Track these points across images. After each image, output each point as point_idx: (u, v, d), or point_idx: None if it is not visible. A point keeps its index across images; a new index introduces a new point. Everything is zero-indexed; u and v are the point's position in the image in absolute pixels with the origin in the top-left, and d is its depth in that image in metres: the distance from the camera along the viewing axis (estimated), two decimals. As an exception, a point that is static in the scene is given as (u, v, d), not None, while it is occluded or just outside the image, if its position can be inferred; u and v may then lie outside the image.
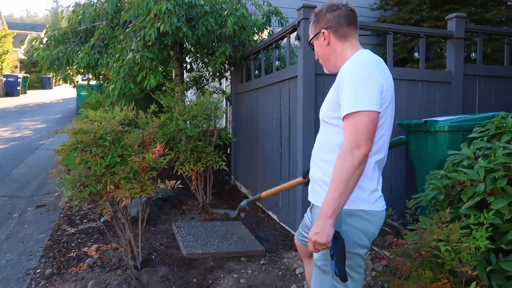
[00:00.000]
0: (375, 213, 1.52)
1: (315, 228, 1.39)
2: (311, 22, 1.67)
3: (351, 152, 1.36)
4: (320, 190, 1.57)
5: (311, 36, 1.66)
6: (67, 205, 4.43)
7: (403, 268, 2.07)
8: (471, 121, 2.94)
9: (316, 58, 1.73)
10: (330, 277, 1.51)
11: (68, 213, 4.38)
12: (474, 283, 1.89)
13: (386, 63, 1.62)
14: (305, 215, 1.92)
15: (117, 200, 2.90)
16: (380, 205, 1.54)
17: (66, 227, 3.98)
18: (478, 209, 2.18)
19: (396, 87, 1.71)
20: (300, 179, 2.10)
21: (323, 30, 1.60)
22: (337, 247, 1.41)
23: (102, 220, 3.92)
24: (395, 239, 2.16)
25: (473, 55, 4.06)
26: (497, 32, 4.42)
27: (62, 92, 21.65)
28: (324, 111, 1.59)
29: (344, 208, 1.41)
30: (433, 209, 2.43)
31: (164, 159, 2.92)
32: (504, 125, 2.47)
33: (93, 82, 7.25)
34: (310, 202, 1.72)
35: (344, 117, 1.41)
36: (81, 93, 12.96)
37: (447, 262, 1.96)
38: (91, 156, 2.71)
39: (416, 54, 3.86)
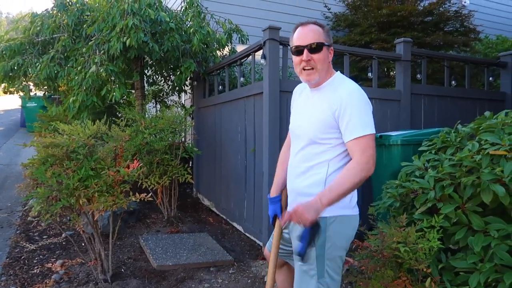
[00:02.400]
0: (354, 218, 1.72)
1: (307, 204, 1.55)
2: (324, 32, 1.71)
3: (365, 166, 1.58)
4: (304, 201, 1.66)
5: (325, 42, 1.69)
6: (25, 220, 4.26)
7: (368, 269, 2.28)
8: (420, 135, 3.29)
9: (300, 66, 1.71)
10: (315, 280, 1.64)
11: (25, 229, 4.21)
12: (429, 279, 2.15)
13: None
14: (283, 230, 1.91)
15: (88, 214, 2.89)
16: (357, 210, 1.74)
17: (24, 243, 3.83)
18: (430, 214, 2.46)
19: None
20: (279, 226, 1.89)
21: (332, 47, 1.75)
22: (314, 231, 1.58)
23: (64, 235, 3.82)
24: (360, 243, 2.38)
25: (418, 76, 4.49)
26: (438, 56, 4.94)
27: (2, 103, 20.23)
28: (315, 132, 1.70)
29: (330, 215, 1.59)
30: (391, 215, 2.69)
31: (136, 172, 2.96)
32: (449, 139, 2.81)
33: (40, 94, 7.00)
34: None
35: (357, 138, 1.60)
36: (27, 105, 12.29)
37: (406, 262, 2.21)
38: (63, 169, 2.70)
39: (369, 74, 4.22)
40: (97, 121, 2.96)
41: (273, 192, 1.98)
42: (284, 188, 1.95)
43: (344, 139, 1.65)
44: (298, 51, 1.69)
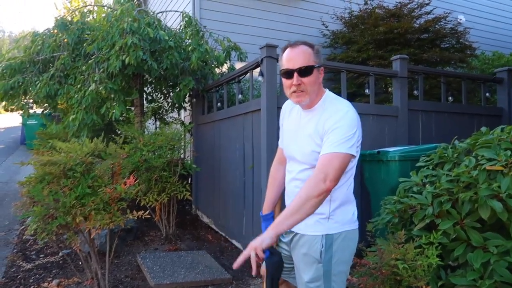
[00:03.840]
0: (355, 232, 1.72)
1: (258, 237, 1.49)
2: (314, 52, 1.66)
3: (317, 182, 1.50)
4: (309, 221, 1.63)
5: (315, 64, 1.64)
6: (22, 239, 4.23)
7: (366, 286, 2.25)
8: (417, 151, 3.29)
9: (290, 90, 1.67)
10: None
11: (22, 248, 4.18)
12: (428, 297, 2.12)
13: (341, 98, 1.81)
14: (282, 247, 1.88)
15: (85, 232, 2.87)
16: (357, 223, 1.74)
17: (21, 262, 3.79)
18: (428, 230, 2.45)
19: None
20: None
21: (322, 67, 1.70)
22: (270, 261, 1.53)
23: (61, 253, 3.79)
24: (358, 260, 2.36)
25: (415, 92, 4.53)
26: (434, 72, 4.99)
27: (3, 121, 20.32)
28: (312, 156, 1.64)
29: (336, 232, 1.59)
30: (389, 231, 2.68)
31: (134, 190, 2.96)
32: (446, 155, 2.81)
33: (39, 111, 7.02)
34: (291, 233, 1.76)
35: (325, 154, 1.55)
36: (28, 123, 12.34)
37: (404, 279, 2.18)
38: (60, 187, 2.69)
39: (367, 91, 4.25)
40: (95, 138, 2.97)
41: (266, 209, 1.95)
42: (276, 204, 1.94)
43: None
44: (288, 73, 1.65)
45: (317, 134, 1.64)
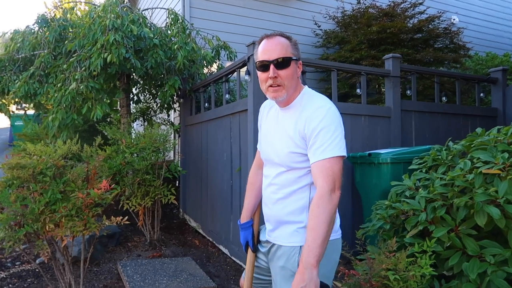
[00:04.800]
0: (337, 241, 1.57)
1: (300, 281, 1.34)
2: (292, 44, 1.55)
3: (330, 196, 1.39)
4: (287, 230, 1.54)
5: (293, 57, 1.53)
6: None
7: (355, 299, 2.10)
8: (410, 153, 3.15)
9: (266, 83, 1.54)
10: None
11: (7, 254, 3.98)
12: (421, 310, 1.97)
13: (331, 98, 1.68)
14: (260, 257, 1.74)
15: (57, 240, 2.69)
16: (340, 232, 1.59)
17: (-5, 271, 3.60)
18: (421, 237, 2.30)
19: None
20: (251, 254, 1.75)
21: (300, 61, 1.58)
22: None
23: (37, 261, 3.60)
24: (346, 270, 2.20)
25: (408, 92, 4.39)
26: (428, 72, 4.85)
27: (-7, 122, 20.06)
28: (288, 157, 1.52)
29: None
30: (380, 238, 2.53)
31: (110, 194, 2.78)
32: (440, 157, 2.67)
33: (30, 112, 6.84)
34: (268, 243, 1.64)
35: (320, 160, 1.43)
36: (16, 123, 12.12)
37: (396, 291, 2.03)
38: (29, 193, 2.51)
39: (358, 90, 4.10)
40: (68, 140, 2.79)
41: (244, 217, 1.80)
42: (256, 212, 1.79)
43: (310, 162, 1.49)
44: (264, 66, 1.52)
45: (297, 134, 1.50)
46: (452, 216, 2.18)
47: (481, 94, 5.00)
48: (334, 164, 1.42)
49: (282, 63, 1.50)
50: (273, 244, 1.61)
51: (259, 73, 1.56)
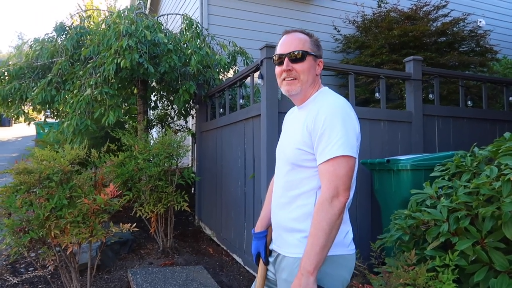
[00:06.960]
0: (349, 257, 1.42)
1: (296, 286, 1.29)
2: (311, 41, 1.51)
3: (330, 202, 1.29)
4: (291, 238, 1.44)
5: (310, 51, 1.48)
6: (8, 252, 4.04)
7: (370, 316, 1.94)
8: (432, 160, 2.96)
9: (281, 77, 1.51)
10: None
11: (13, 260, 3.98)
12: (443, 331, 1.80)
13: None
14: (268, 268, 1.63)
15: (63, 247, 2.64)
16: (352, 248, 1.45)
17: (8, 276, 3.60)
18: (443, 250, 2.13)
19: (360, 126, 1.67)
20: (263, 267, 1.64)
21: (321, 59, 1.54)
22: None
23: (49, 268, 3.57)
24: (360, 285, 2.05)
25: (431, 96, 4.19)
26: (451, 75, 4.62)
27: (22, 130, 20.76)
28: (293, 154, 1.44)
29: None
30: (398, 250, 2.36)
31: (119, 201, 2.72)
32: (464, 164, 2.48)
33: (50, 120, 6.96)
34: (275, 252, 1.54)
35: (323, 162, 1.34)
36: (41, 131, 12.46)
37: (414, 309, 1.86)
38: (35, 198, 2.48)
39: (377, 94, 3.94)
40: (76, 145, 2.76)
41: (259, 226, 1.70)
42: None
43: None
44: (280, 59, 1.50)
45: (305, 129, 1.42)
46: (477, 228, 2.00)
47: (510, 98, 4.73)
48: (339, 167, 1.31)
49: (297, 57, 1.47)
50: (279, 254, 1.52)
51: (276, 68, 1.53)
